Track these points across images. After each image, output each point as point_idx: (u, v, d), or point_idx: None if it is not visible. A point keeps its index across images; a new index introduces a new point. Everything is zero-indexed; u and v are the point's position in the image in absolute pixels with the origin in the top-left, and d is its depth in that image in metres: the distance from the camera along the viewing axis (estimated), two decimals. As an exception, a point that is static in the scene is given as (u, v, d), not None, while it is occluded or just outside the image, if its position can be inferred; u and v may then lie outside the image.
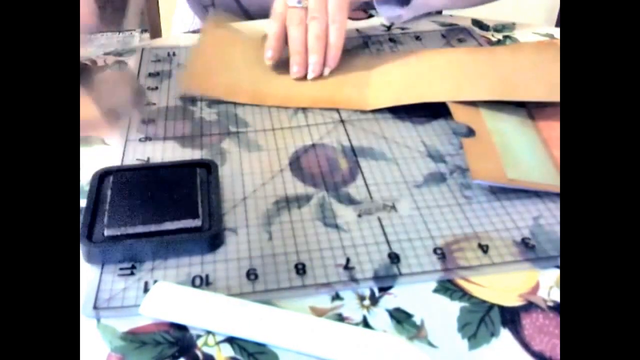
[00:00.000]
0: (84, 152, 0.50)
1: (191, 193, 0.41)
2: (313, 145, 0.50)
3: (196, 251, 0.39)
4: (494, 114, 0.52)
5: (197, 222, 0.39)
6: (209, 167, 0.45)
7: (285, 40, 0.58)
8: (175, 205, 0.40)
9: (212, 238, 0.39)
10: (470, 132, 0.49)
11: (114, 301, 0.36)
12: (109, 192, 0.41)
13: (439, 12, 0.77)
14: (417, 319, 0.36)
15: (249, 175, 0.47)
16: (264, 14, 0.75)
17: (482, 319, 0.36)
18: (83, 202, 0.43)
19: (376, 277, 0.38)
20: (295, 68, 0.57)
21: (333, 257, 0.39)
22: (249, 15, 0.78)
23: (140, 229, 0.38)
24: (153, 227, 0.39)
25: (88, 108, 0.42)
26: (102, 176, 0.43)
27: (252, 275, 0.38)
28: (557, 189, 0.44)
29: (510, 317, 0.36)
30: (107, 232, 0.38)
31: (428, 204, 0.44)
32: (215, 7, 0.80)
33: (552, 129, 0.49)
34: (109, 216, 0.39)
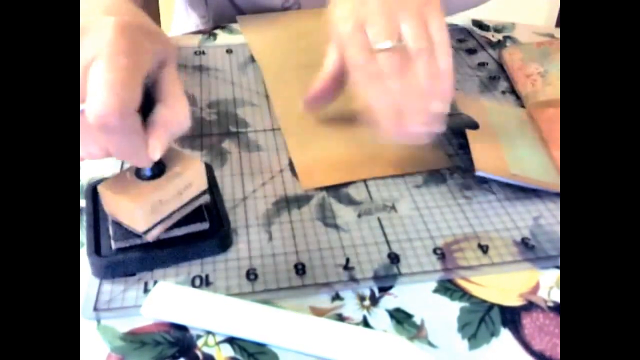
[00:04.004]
0: (84, 152, 0.50)
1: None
2: (313, 146, 0.50)
3: (208, 254, 0.39)
4: (496, 110, 0.52)
5: (205, 226, 0.39)
6: None
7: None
8: None
9: (223, 239, 0.40)
10: (474, 126, 0.49)
11: (114, 302, 0.36)
12: None
13: None
14: (417, 319, 0.36)
15: (249, 176, 0.47)
16: (256, 11, 0.75)
17: (482, 319, 0.36)
18: (84, 203, 0.43)
19: (376, 277, 0.38)
20: (416, 125, 0.42)
21: (333, 257, 0.39)
22: (242, 12, 0.78)
23: None
24: (162, 235, 0.38)
25: None
26: (94, 189, 0.43)
27: (251, 275, 0.38)
28: (557, 188, 0.44)
29: (511, 317, 0.36)
30: (115, 245, 0.38)
31: (428, 204, 0.44)
32: (208, 4, 0.79)
33: (552, 129, 0.49)
34: (114, 229, 0.38)
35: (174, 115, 0.35)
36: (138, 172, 0.37)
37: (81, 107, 0.32)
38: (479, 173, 0.44)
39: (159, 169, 0.37)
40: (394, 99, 0.41)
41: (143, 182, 0.37)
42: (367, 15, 0.42)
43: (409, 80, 0.41)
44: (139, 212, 0.36)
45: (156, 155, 0.34)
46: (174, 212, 0.38)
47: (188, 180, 0.38)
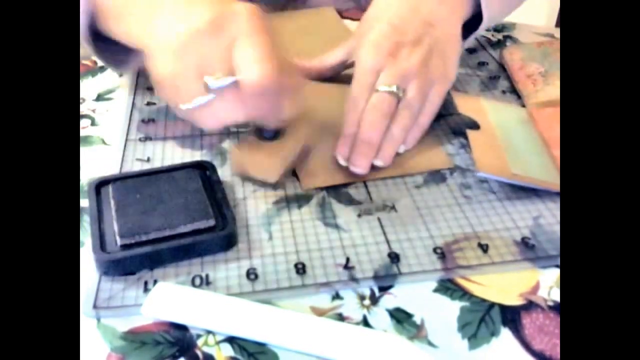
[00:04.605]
0: (84, 152, 0.50)
1: (197, 194, 0.41)
2: (313, 145, 0.50)
3: (213, 251, 0.39)
4: (497, 110, 0.52)
5: (210, 222, 0.39)
6: (205, 168, 0.45)
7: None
8: (184, 208, 0.40)
9: (228, 236, 0.40)
10: (474, 127, 0.49)
11: (114, 301, 0.36)
12: (112, 202, 0.41)
13: None
14: (417, 319, 0.36)
15: (249, 175, 0.47)
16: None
17: (482, 319, 0.36)
18: (84, 202, 0.43)
19: (376, 277, 0.38)
20: (358, 161, 0.45)
21: (333, 256, 0.39)
22: None
23: (154, 234, 0.38)
24: (167, 232, 0.38)
25: None
26: (98, 186, 0.43)
27: (252, 274, 0.38)
28: (558, 188, 0.44)
29: (511, 317, 0.36)
30: (121, 242, 0.38)
31: (428, 204, 0.44)
32: None
33: (552, 129, 0.49)
34: (119, 225, 0.38)
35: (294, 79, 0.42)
36: (260, 135, 0.45)
37: (230, 80, 0.38)
38: (479, 174, 0.44)
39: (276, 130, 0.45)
40: (360, 128, 0.46)
41: (268, 141, 0.45)
42: (389, 64, 0.47)
43: (381, 120, 0.46)
44: (275, 164, 0.44)
45: (290, 114, 0.42)
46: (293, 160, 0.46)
47: (303, 136, 0.46)
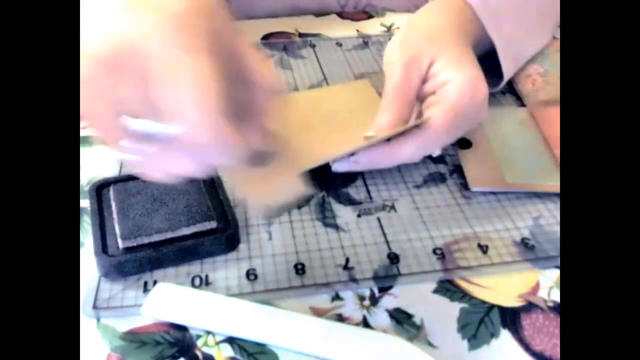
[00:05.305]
0: (84, 152, 0.50)
1: (199, 196, 0.41)
2: (313, 146, 0.50)
3: (216, 252, 0.39)
4: (494, 117, 0.52)
5: (212, 224, 0.39)
6: None
7: None
8: (186, 210, 0.40)
9: (231, 238, 0.40)
10: (467, 144, 0.49)
11: (114, 301, 0.36)
12: (113, 204, 0.40)
13: None
14: (417, 320, 0.36)
15: (249, 176, 0.47)
16: (252, 17, 0.75)
17: (482, 320, 0.36)
18: (84, 203, 0.43)
19: (376, 277, 0.38)
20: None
21: (332, 257, 0.39)
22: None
23: (156, 237, 0.38)
24: (170, 234, 0.38)
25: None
26: (98, 189, 0.43)
27: (251, 275, 0.38)
28: (557, 189, 0.44)
29: (510, 318, 0.36)
30: (122, 244, 0.38)
31: (428, 204, 0.44)
32: None
33: (553, 128, 0.49)
34: (121, 228, 0.38)
35: (264, 92, 0.30)
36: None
37: (155, 127, 0.28)
38: (474, 189, 0.44)
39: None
40: None
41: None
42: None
43: None
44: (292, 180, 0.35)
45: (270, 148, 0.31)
46: None
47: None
